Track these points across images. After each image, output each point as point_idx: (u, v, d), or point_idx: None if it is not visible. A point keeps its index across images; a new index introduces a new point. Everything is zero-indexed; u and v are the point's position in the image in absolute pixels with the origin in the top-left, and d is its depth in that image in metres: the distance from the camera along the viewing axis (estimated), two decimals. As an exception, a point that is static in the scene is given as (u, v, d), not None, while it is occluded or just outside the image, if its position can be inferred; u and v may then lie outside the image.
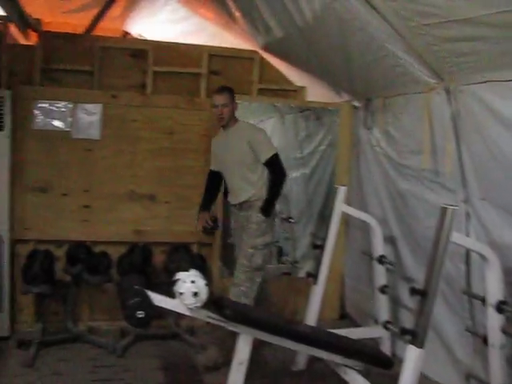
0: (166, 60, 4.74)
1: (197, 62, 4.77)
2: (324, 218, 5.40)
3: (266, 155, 4.12)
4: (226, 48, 4.99)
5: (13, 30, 4.71)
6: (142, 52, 4.71)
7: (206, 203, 4.42)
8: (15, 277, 4.36)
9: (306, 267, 5.68)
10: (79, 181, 4.50)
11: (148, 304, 2.75)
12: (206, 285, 2.80)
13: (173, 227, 4.66)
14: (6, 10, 3.93)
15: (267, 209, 4.13)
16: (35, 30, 4.57)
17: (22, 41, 5.05)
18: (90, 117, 4.47)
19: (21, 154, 4.37)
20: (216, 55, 4.87)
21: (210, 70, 4.79)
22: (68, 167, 4.46)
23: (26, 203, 4.41)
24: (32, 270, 3.99)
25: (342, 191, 3.99)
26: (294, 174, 6.18)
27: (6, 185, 4.28)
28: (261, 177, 4.18)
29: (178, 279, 2.80)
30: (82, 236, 4.48)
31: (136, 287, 2.81)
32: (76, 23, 6.43)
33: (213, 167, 4.44)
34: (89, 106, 4.47)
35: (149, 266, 4.34)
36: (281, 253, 6.19)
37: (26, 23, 4.30)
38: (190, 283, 2.75)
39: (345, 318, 5.11)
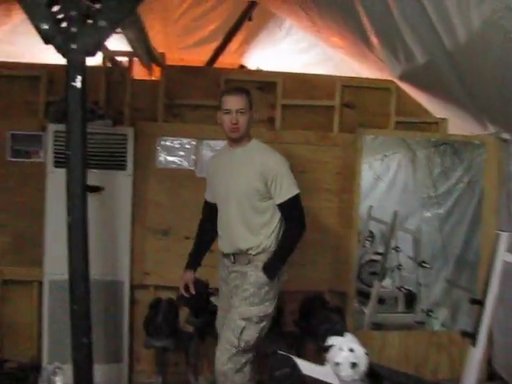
0: (294, 92, 4.41)
1: (328, 94, 4.40)
2: (464, 263, 4.88)
3: (283, 195, 3.12)
4: (360, 78, 4.60)
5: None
6: (269, 84, 4.41)
7: (195, 255, 3.47)
8: (134, 324, 4.14)
9: (441, 317, 5.19)
10: (202, 223, 4.20)
11: (297, 375, 2.35)
12: (366, 354, 2.36)
13: (302, 273, 4.23)
14: (133, 45, 3.74)
15: (272, 268, 3.11)
16: (158, 65, 4.38)
17: (139, 76, 4.90)
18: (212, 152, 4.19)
19: (142, 194, 4.17)
20: (349, 86, 4.47)
21: (343, 102, 4.40)
22: (191, 208, 4.15)
23: (146, 246, 4.19)
24: (155, 322, 3.68)
25: (505, 237, 3.42)
26: (425, 214, 5.72)
27: (128, 227, 4.08)
28: (269, 223, 3.17)
29: (331, 345, 2.39)
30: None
31: (282, 353, 2.42)
32: (191, 59, 6.36)
33: (209, 197, 3.49)
34: (214, 143, 4.18)
35: (281, 318, 3.93)
36: (412, 299, 5.70)
37: (152, 58, 4.10)
38: (347, 352, 2.33)
39: (494, 379, 4.49)
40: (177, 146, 4.21)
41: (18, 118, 4.25)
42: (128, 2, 2.74)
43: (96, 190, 3.89)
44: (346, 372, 2.31)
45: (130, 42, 3.62)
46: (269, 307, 3.13)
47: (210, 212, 3.42)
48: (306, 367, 2.42)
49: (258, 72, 4.88)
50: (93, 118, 3.93)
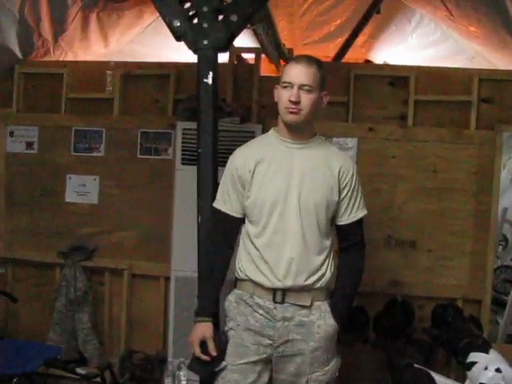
0: (426, 87, 4.13)
1: (464, 89, 4.10)
2: None
3: (355, 213, 2.46)
4: (501, 70, 4.24)
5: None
6: (400, 79, 4.17)
7: (211, 298, 2.52)
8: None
9: None
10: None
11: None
12: (517, 375, 2.13)
13: (434, 279, 4.01)
14: (261, 41, 3.69)
15: (345, 313, 2.45)
16: (285, 61, 4.30)
17: (266, 72, 4.86)
18: (344, 152, 4.03)
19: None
20: (487, 79, 4.12)
21: (481, 96, 4.10)
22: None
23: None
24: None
25: None
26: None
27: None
28: (331, 248, 2.47)
29: (475, 362, 2.19)
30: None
31: (418, 367, 2.24)
32: (316, 55, 6.18)
33: (230, 208, 2.47)
34: (343, 140, 4.08)
35: (410, 326, 3.73)
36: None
37: (280, 53, 4.03)
38: (493, 372, 2.11)
39: None
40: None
41: (148, 117, 4.34)
42: (258, -5, 2.68)
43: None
44: (491, 394, 2.10)
45: (259, 37, 3.56)
46: (339, 354, 2.52)
47: (230, 231, 2.51)
48: (444, 384, 2.24)
49: (389, 67, 4.65)
50: (221, 116, 3.90)
